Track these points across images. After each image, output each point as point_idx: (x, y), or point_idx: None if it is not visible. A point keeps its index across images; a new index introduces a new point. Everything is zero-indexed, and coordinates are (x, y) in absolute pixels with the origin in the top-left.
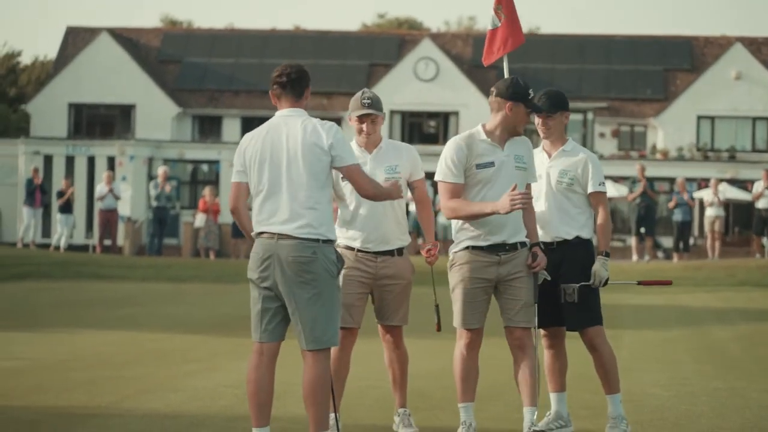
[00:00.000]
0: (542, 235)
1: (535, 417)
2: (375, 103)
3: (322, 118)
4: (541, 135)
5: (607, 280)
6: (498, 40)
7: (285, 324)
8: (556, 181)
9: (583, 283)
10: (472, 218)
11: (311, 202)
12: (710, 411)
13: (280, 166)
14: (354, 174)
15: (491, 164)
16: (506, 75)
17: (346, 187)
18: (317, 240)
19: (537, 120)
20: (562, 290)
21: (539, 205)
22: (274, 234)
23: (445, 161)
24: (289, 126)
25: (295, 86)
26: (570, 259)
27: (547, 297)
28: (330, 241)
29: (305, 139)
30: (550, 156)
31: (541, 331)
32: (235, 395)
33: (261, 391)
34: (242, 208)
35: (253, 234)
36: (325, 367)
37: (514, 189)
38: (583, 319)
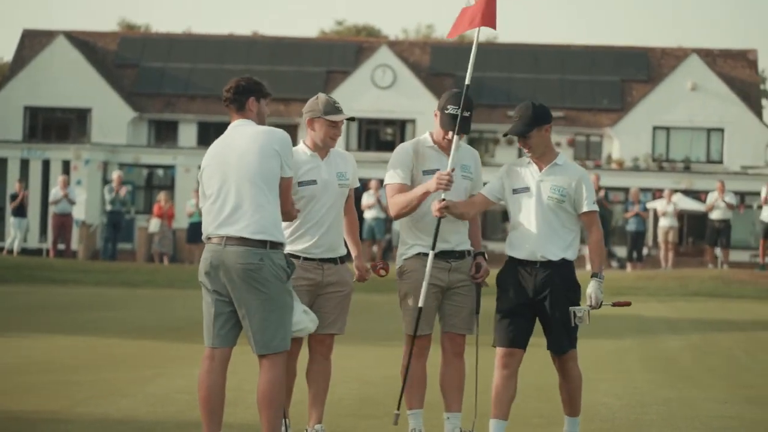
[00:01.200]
0: (524, 253)
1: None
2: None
3: (280, 125)
4: (526, 154)
5: (601, 302)
6: (467, 16)
7: (237, 329)
8: (548, 196)
9: (590, 305)
10: (412, 204)
11: (257, 202)
12: (660, 420)
13: (228, 170)
14: (286, 187)
15: (436, 171)
16: (471, 59)
17: (295, 195)
18: (264, 244)
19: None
20: (572, 313)
21: (525, 221)
22: (222, 238)
23: (392, 165)
24: (239, 133)
25: (235, 100)
26: (555, 284)
27: (519, 317)
28: (278, 245)
29: (254, 143)
30: (540, 169)
31: (498, 350)
32: (186, 401)
33: (213, 397)
34: None
35: (203, 238)
36: (278, 373)
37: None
38: (564, 342)
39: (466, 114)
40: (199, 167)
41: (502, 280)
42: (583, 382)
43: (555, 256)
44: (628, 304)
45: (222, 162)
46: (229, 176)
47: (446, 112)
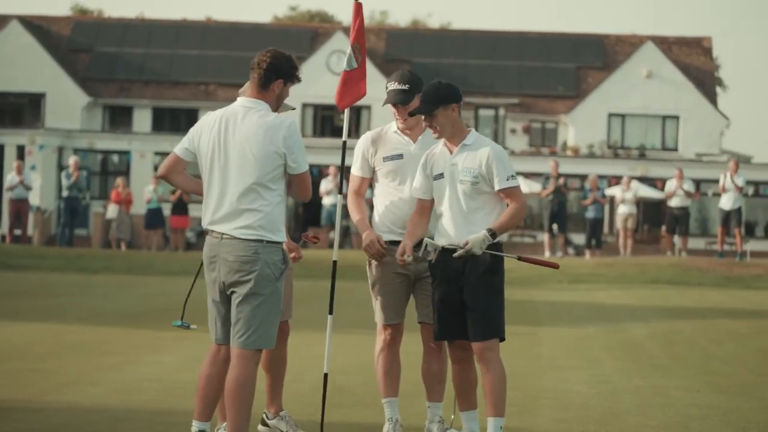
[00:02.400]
0: (447, 241)
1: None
2: None
3: None
4: (434, 137)
5: (470, 251)
6: (354, 83)
7: None
8: (460, 180)
9: (449, 245)
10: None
11: (256, 203)
12: (634, 409)
13: (228, 163)
14: (304, 181)
15: (399, 156)
16: (345, 124)
17: None
18: (260, 241)
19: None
20: (423, 245)
21: (442, 208)
22: (220, 234)
23: (354, 155)
24: (246, 120)
25: (262, 75)
26: (473, 267)
27: (452, 307)
28: (274, 243)
29: (258, 138)
30: (451, 152)
31: (446, 344)
32: (156, 389)
33: (210, 388)
34: (172, 177)
35: (203, 226)
36: (250, 370)
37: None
38: (479, 328)
39: (405, 87)
40: (160, 154)
41: (432, 271)
42: (552, 369)
43: None
44: (555, 266)
45: (221, 150)
46: (226, 171)
47: (387, 90)
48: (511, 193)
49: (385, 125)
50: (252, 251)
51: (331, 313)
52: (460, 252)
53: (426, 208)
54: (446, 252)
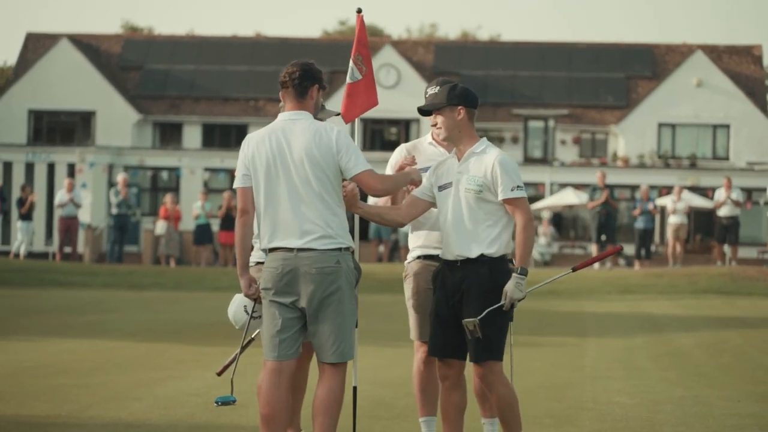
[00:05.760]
0: (446, 253)
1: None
2: None
3: None
4: (439, 137)
5: (520, 299)
6: (361, 95)
7: (301, 340)
8: (465, 189)
9: (489, 309)
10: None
11: (326, 212)
12: (674, 419)
13: (289, 175)
14: (370, 176)
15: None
16: (356, 137)
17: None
18: (339, 249)
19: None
20: (465, 327)
21: (447, 218)
22: (293, 248)
23: (388, 166)
24: (294, 131)
25: (300, 85)
26: (469, 283)
27: (447, 323)
28: (348, 249)
29: (311, 145)
30: (459, 160)
31: (437, 361)
32: (197, 404)
33: (279, 414)
34: (252, 213)
35: (262, 249)
36: (342, 381)
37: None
38: (478, 349)
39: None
40: (210, 170)
41: (433, 282)
42: (595, 379)
43: (471, 252)
44: (612, 251)
45: (280, 163)
46: (290, 183)
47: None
48: (516, 205)
49: (421, 137)
50: (334, 261)
51: (356, 326)
52: (506, 305)
53: (414, 205)
54: (447, 264)
